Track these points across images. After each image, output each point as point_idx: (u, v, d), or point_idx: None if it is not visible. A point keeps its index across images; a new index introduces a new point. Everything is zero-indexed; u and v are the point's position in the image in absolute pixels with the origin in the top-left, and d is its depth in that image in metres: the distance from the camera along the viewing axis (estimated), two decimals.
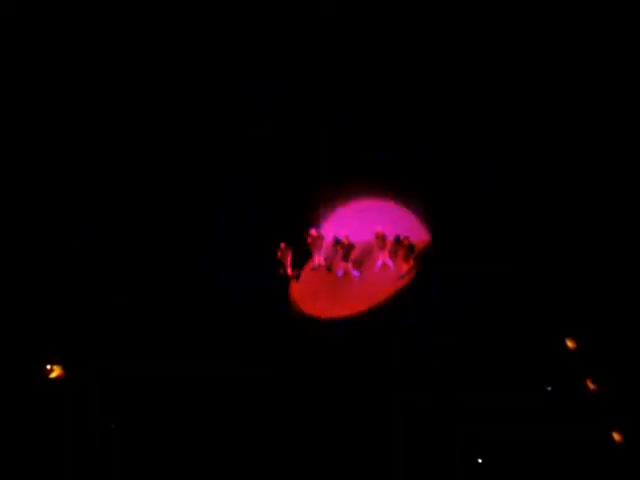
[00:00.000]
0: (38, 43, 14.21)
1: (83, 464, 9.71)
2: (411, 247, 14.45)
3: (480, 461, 9.85)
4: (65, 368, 11.81)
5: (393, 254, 15.38)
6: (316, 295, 14.63)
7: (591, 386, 10.95)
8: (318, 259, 15.46)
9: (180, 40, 14.65)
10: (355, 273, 15.13)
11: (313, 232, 15.47)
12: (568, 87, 14.55)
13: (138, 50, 14.64)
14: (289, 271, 14.83)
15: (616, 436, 9.95)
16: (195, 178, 16.03)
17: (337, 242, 14.87)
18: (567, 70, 14.42)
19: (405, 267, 14.75)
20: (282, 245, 14.49)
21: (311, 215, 16.60)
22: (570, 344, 11.95)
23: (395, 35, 14.33)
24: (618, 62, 13.97)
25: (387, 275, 15.14)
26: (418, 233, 16.16)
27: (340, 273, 15.13)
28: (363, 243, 15.89)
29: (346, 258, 14.84)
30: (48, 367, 11.77)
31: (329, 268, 15.50)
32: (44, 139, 15.15)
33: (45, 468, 9.63)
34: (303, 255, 16.17)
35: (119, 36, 14.50)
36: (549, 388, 10.98)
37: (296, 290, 14.84)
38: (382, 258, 15.22)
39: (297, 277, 15.26)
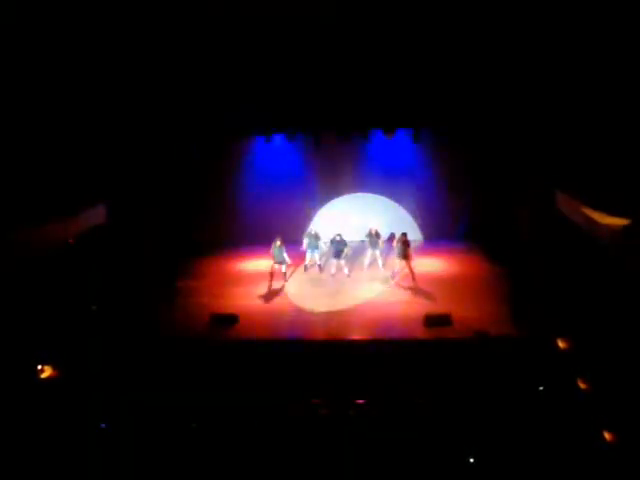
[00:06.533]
0: (38, 43, 14.09)
1: (74, 465, 9.66)
2: (405, 245, 14.40)
3: (472, 461, 9.90)
4: (57, 368, 11.69)
5: (386, 252, 15.42)
6: (307, 293, 14.56)
7: (582, 386, 11.01)
8: (312, 257, 15.43)
9: (180, 40, 14.51)
10: (347, 271, 15.08)
11: (310, 230, 15.46)
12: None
13: (137, 50, 14.52)
14: (282, 269, 14.75)
15: (607, 435, 10.03)
16: (193, 175, 15.93)
17: (332, 240, 14.80)
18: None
19: (399, 265, 14.73)
20: (277, 242, 14.38)
21: (306, 212, 16.57)
22: (562, 344, 11.99)
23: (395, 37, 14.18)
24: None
25: (380, 273, 15.15)
26: (412, 231, 16.21)
27: (333, 271, 15.09)
28: (357, 241, 15.92)
29: (339, 256, 14.78)
30: (39, 367, 11.65)
31: (321, 266, 15.46)
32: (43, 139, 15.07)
33: (34, 468, 9.58)
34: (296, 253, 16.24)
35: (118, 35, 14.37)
36: (541, 388, 11.05)
37: (288, 288, 14.79)
38: (375, 256, 15.21)
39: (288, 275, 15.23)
